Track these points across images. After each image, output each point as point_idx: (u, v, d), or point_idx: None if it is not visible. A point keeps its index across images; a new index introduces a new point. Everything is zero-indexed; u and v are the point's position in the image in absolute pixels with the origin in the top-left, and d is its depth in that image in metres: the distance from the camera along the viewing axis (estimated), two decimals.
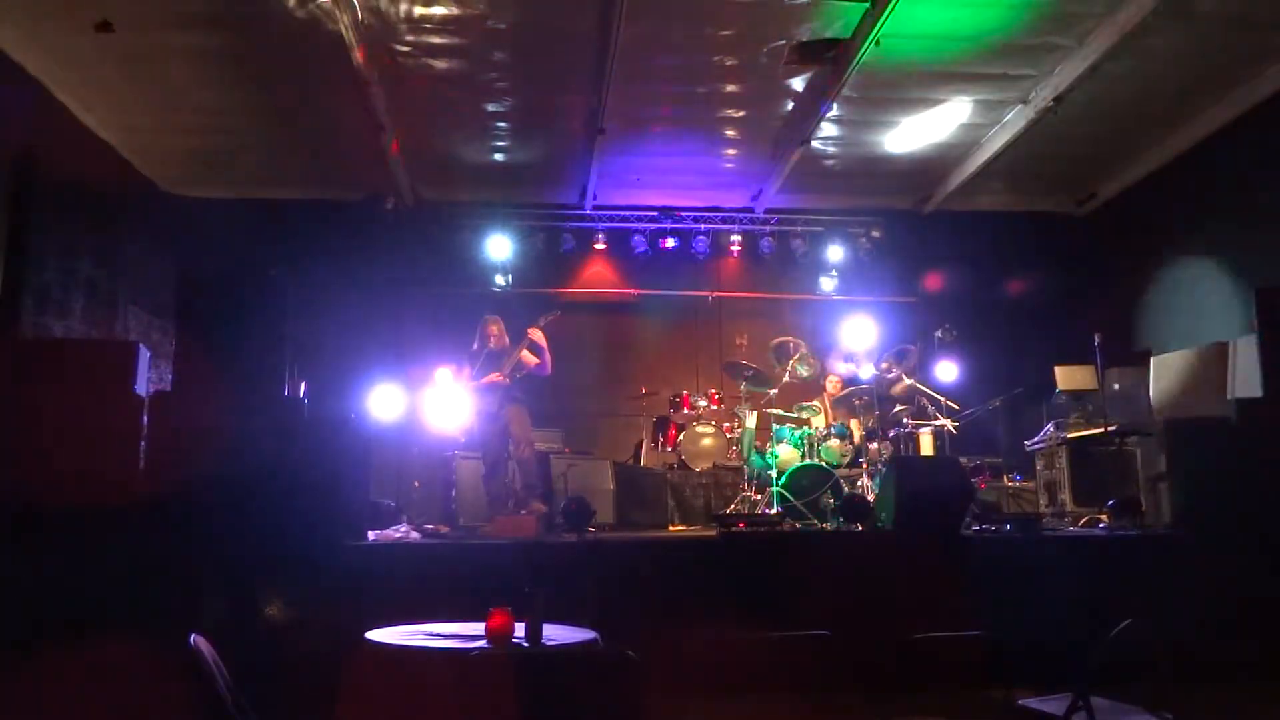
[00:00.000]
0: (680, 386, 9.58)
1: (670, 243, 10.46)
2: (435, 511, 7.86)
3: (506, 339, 7.73)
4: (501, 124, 8.89)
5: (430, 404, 8.24)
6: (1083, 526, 6.98)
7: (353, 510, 5.93)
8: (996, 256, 10.46)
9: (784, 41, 7.35)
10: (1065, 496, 7.36)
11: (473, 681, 2.98)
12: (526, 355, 7.54)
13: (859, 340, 8.98)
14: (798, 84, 8.08)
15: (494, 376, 7.48)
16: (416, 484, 8.04)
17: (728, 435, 8.96)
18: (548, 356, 7.60)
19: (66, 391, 5.49)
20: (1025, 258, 10.43)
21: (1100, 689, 3.32)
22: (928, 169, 9.91)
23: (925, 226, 10.74)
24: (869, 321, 9.13)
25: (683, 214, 10.57)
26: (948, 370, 8.94)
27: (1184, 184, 9.06)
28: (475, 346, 7.73)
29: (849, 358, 9.02)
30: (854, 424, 8.46)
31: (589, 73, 7.74)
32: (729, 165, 9.86)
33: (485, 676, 2.97)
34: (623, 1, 6.60)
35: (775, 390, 8.55)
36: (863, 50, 7.17)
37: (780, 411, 8.57)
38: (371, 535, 6.11)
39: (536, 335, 7.54)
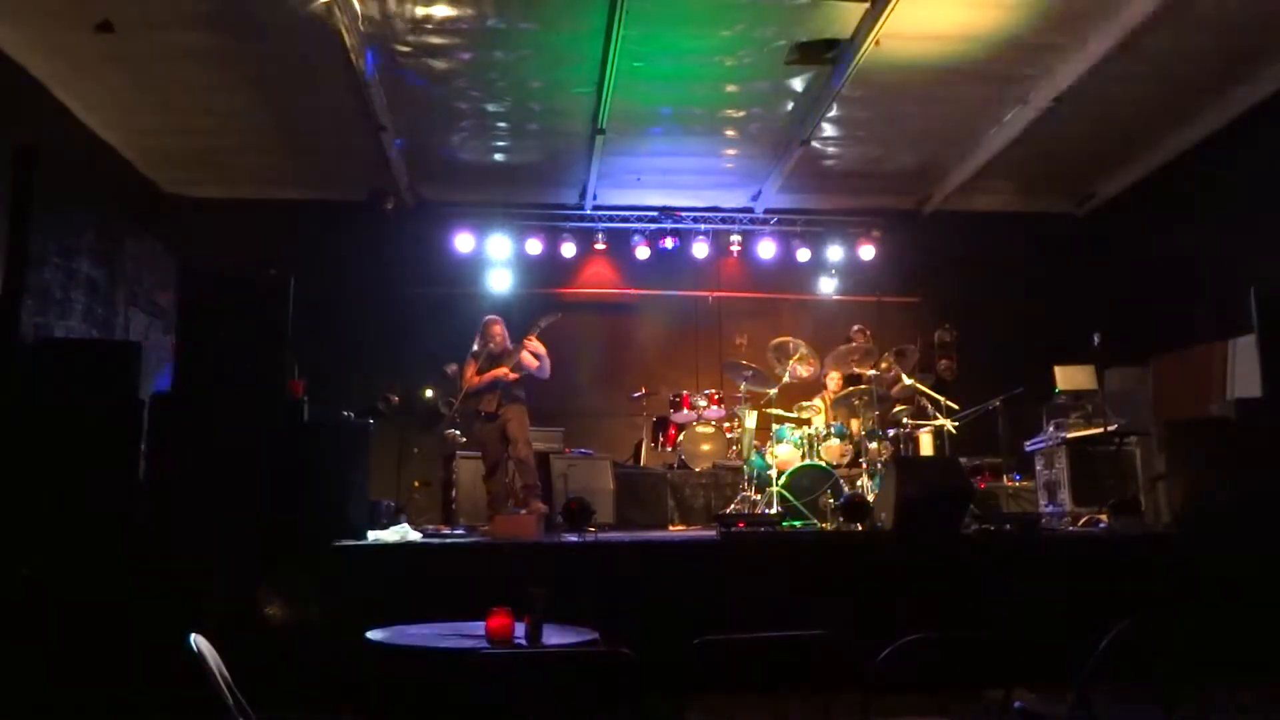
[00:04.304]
0: (680, 386, 9.57)
1: (670, 243, 10.45)
2: (435, 511, 7.87)
3: (508, 342, 7.75)
4: (501, 124, 8.89)
5: (433, 403, 8.25)
6: (1083, 526, 6.97)
7: (353, 510, 5.94)
8: (996, 256, 10.45)
9: (784, 41, 7.36)
10: (1065, 496, 7.36)
11: (473, 681, 2.98)
12: (526, 358, 7.58)
13: (859, 340, 8.95)
14: (798, 84, 8.08)
15: (498, 371, 7.52)
16: (416, 484, 8.05)
17: (728, 435, 8.95)
18: (547, 363, 7.64)
19: (66, 391, 5.50)
20: (1025, 258, 10.43)
21: (1100, 689, 3.32)
22: (928, 169, 9.91)
23: (925, 226, 10.75)
24: (869, 321, 9.11)
25: (683, 214, 10.56)
26: (948, 370, 8.92)
27: (1184, 184, 9.07)
28: (476, 347, 7.74)
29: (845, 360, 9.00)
30: (854, 424, 8.45)
31: (589, 73, 7.74)
32: (729, 165, 9.86)
33: (485, 676, 2.97)
34: (623, 1, 6.60)
35: (775, 390, 8.55)
36: (863, 50, 7.17)
37: (780, 411, 8.57)
38: (371, 535, 6.12)
39: (533, 345, 7.57)
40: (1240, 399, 6.80)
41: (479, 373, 7.61)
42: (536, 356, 7.58)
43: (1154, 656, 3.48)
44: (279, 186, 9.96)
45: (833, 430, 8.31)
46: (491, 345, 7.68)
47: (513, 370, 7.54)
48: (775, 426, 8.50)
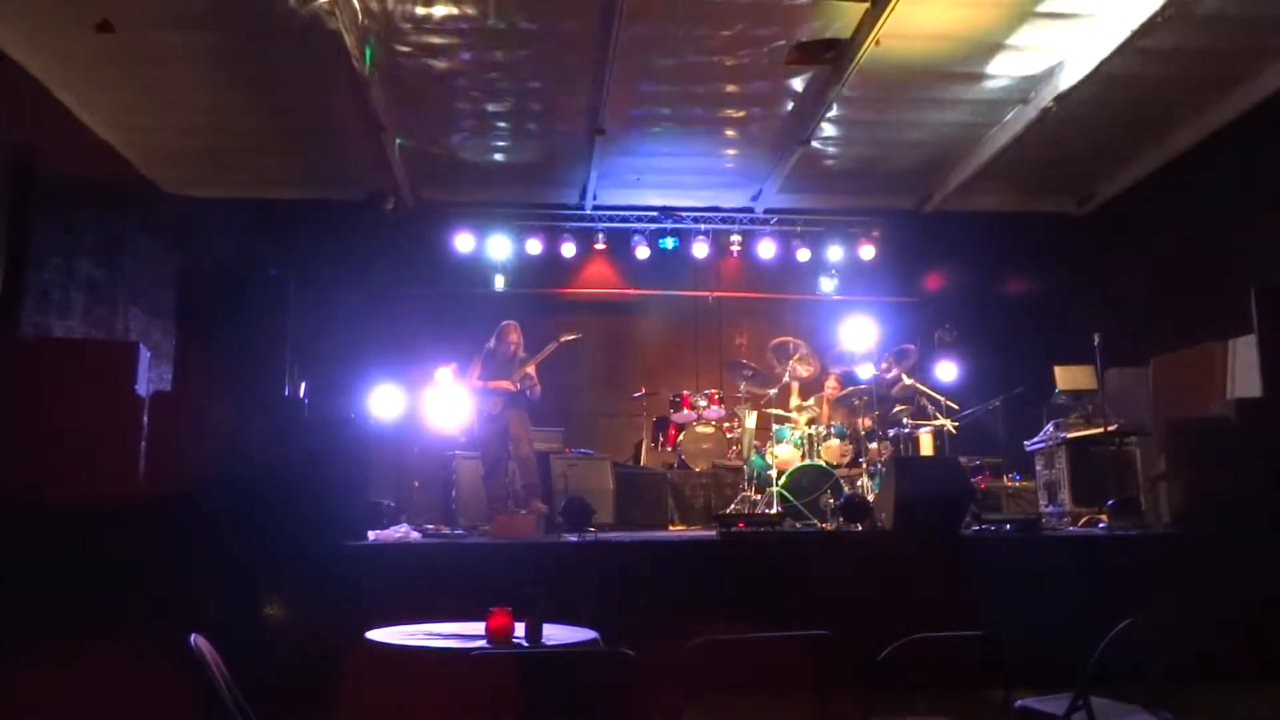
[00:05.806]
0: (680, 386, 9.58)
1: (670, 243, 10.46)
2: (435, 511, 7.87)
3: (522, 350, 7.77)
4: (501, 124, 8.89)
5: (431, 403, 8.25)
6: (1083, 526, 6.97)
7: (353, 510, 5.94)
8: (996, 256, 10.46)
9: (784, 41, 7.36)
10: (1065, 496, 7.36)
11: (473, 681, 2.98)
12: (532, 373, 7.63)
13: (859, 340, 8.96)
14: (798, 84, 8.08)
15: (505, 384, 7.56)
16: (416, 484, 8.05)
17: (728, 435, 8.96)
18: (538, 389, 7.67)
19: (66, 391, 5.49)
20: (1025, 258, 10.43)
21: (1100, 689, 3.32)
22: (928, 169, 9.91)
23: (925, 226, 10.74)
24: (869, 321, 9.11)
25: (683, 214, 10.57)
26: (948, 370, 8.93)
27: (1184, 184, 9.06)
28: (490, 345, 7.74)
29: (843, 358, 9.01)
30: (855, 424, 8.45)
31: (589, 73, 7.74)
32: (729, 165, 9.86)
33: (485, 676, 2.97)
34: (623, 1, 6.60)
35: (775, 390, 8.55)
36: (863, 50, 7.17)
37: (780, 412, 8.58)
38: (371, 535, 6.12)
39: (528, 369, 7.63)
40: (1240, 399, 6.80)
41: (483, 373, 7.63)
42: (532, 379, 7.63)
43: (1154, 656, 3.48)
44: (279, 186, 9.96)
45: (832, 430, 8.31)
46: (504, 350, 7.68)
47: (518, 384, 7.59)
48: (775, 426, 8.51)
